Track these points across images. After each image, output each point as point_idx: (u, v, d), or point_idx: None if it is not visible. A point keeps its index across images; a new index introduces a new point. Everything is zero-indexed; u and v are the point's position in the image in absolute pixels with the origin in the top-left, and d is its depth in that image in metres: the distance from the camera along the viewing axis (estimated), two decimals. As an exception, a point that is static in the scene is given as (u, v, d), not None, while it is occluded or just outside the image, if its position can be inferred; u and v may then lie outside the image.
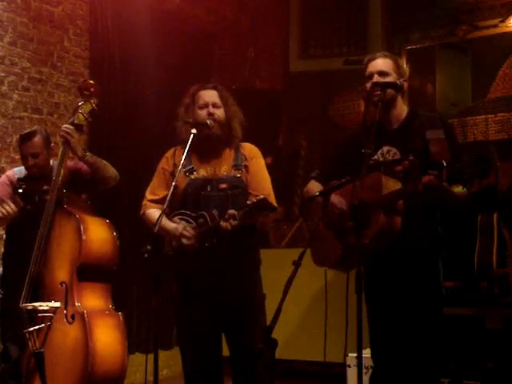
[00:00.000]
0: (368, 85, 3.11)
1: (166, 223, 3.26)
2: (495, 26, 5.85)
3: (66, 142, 3.72)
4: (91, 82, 3.96)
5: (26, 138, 3.82)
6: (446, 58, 6.11)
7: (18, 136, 4.01)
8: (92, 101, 3.84)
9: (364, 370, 4.44)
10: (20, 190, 3.84)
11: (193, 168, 3.36)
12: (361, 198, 2.83)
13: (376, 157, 3.09)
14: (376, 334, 3.15)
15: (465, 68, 6.05)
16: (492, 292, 4.44)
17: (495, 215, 4.57)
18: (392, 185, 2.91)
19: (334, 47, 6.61)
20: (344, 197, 3.03)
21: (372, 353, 3.21)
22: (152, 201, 3.40)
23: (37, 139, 3.82)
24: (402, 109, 3.18)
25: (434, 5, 6.19)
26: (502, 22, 5.78)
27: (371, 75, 3.12)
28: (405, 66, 3.28)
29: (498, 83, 5.80)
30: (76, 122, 3.80)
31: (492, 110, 5.73)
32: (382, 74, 3.10)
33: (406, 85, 3.16)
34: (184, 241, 3.20)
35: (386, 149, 3.10)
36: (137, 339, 5.56)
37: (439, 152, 2.88)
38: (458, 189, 2.89)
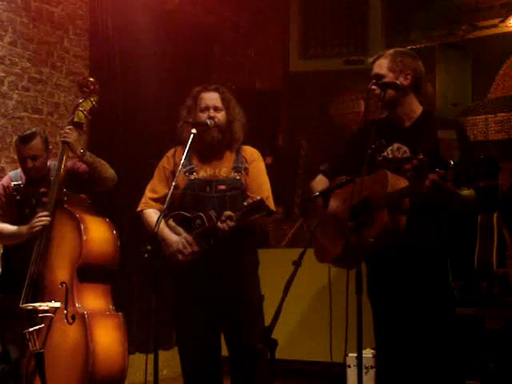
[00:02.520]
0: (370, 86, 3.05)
1: (166, 232, 3.25)
2: (495, 26, 5.84)
3: (65, 141, 3.70)
4: (91, 79, 3.92)
5: (25, 140, 3.74)
6: (445, 58, 6.09)
7: (17, 136, 3.97)
8: (92, 98, 3.82)
9: (364, 370, 4.46)
10: (18, 197, 3.82)
11: (193, 168, 3.35)
12: (366, 196, 2.80)
13: (385, 153, 3.04)
14: (383, 335, 3.07)
15: (465, 68, 6.04)
16: (492, 292, 4.44)
17: (495, 215, 4.56)
18: (398, 183, 2.85)
19: (334, 47, 6.60)
20: (341, 196, 2.99)
21: (377, 354, 3.16)
22: (152, 199, 3.39)
23: (37, 142, 3.75)
24: (414, 107, 3.07)
25: (434, 5, 6.18)
26: (502, 22, 5.76)
27: (372, 77, 3.06)
28: (409, 58, 3.06)
29: (498, 83, 5.79)
30: (76, 120, 3.78)
31: (492, 110, 5.71)
32: (377, 77, 3.03)
33: (408, 79, 3.01)
34: (179, 256, 3.19)
35: (396, 146, 3.03)
36: (137, 339, 5.56)
37: (448, 152, 2.78)
38: (468, 191, 2.82)
